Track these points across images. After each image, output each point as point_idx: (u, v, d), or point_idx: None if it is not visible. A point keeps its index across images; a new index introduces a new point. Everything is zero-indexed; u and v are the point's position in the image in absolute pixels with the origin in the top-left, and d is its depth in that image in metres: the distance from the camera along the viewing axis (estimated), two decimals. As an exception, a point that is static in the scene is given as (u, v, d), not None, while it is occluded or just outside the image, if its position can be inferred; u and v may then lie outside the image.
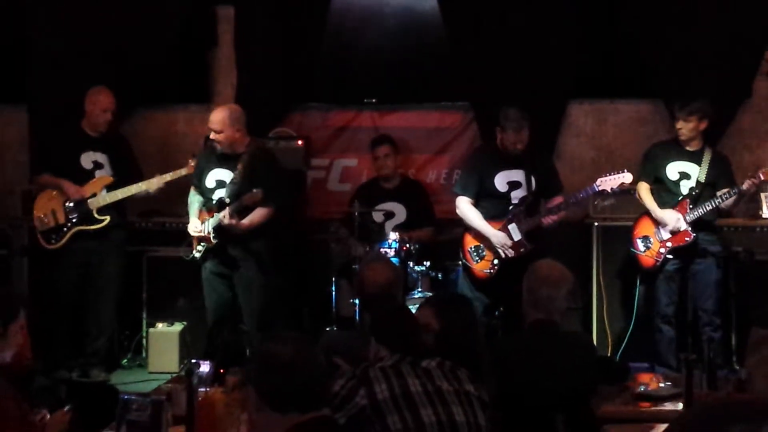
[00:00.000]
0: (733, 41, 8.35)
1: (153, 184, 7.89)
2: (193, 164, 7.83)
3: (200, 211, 7.58)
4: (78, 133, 7.99)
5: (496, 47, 8.61)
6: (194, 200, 7.65)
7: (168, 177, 7.90)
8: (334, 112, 9.14)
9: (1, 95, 9.14)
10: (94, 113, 7.95)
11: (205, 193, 7.58)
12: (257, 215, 7.42)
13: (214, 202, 7.47)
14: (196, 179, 7.68)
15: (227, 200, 7.38)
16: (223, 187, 7.48)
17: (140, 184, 7.90)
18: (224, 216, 7.26)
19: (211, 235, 7.40)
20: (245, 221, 7.37)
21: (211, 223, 7.40)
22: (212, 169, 7.56)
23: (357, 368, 4.15)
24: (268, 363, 3.19)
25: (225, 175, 7.50)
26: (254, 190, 7.27)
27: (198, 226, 7.47)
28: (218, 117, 7.44)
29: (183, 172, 7.88)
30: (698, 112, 7.54)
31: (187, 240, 7.65)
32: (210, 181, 7.54)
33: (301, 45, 8.79)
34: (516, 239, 7.48)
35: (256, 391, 3.15)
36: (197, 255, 7.52)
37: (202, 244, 7.48)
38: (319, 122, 9.11)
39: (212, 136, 7.45)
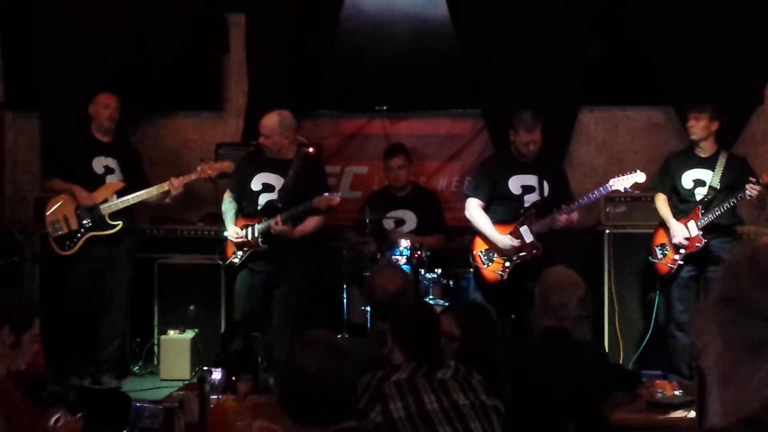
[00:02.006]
0: (745, 48, 8.34)
1: (163, 188, 7.87)
2: (201, 169, 7.83)
3: (238, 218, 7.58)
4: (89, 138, 8.01)
5: (507, 54, 8.61)
6: (230, 207, 7.62)
7: (181, 180, 7.87)
8: (345, 119, 9.16)
9: (13, 103, 9.17)
10: (98, 112, 7.98)
11: (249, 196, 7.55)
12: (311, 223, 7.47)
13: (259, 207, 7.47)
14: (236, 184, 7.66)
15: (279, 205, 7.39)
16: (270, 191, 7.48)
17: (151, 189, 7.89)
18: (275, 223, 7.27)
19: (259, 240, 7.39)
20: (299, 228, 7.40)
21: (258, 228, 7.39)
22: (258, 172, 7.55)
23: (372, 379, 4.12)
24: (291, 372, 3.16)
25: (272, 179, 7.50)
26: (326, 194, 7.32)
27: (239, 232, 7.45)
28: (269, 122, 7.48)
29: (193, 177, 7.88)
30: (709, 110, 7.54)
31: (220, 246, 7.65)
32: (256, 184, 7.52)
33: (312, 52, 8.80)
34: (528, 241, 7.49)
35: (277, 396, 3.13)
36: (236, 261, 7.52)
37: (244, 249, 7.47)
38: (329, 129, 9.12)
39: (261, 140, 7.49)
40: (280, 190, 7.46)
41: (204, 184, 8.23)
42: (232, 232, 7.49)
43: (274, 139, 7.46)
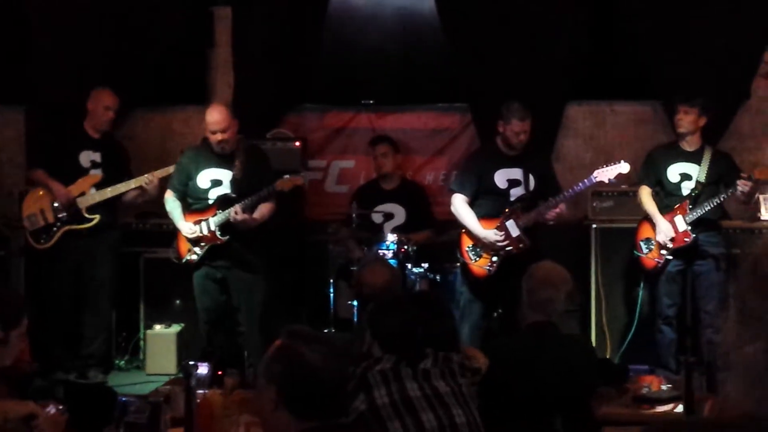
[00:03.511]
0: (732, 42, 8.35)
1: (142, 181, 7.82)
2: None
3: (186, 214, 7.49)
4: (78, 132, 7.96)
5: (494, 48, 8.61)
6: (175, 205, 7.51)
7: (159, 174, 7.83)
8: (332, 113, 9.14)
9: (-2, 96, 9.15)
10: (98, 111, 7.93)
11: (196, 193, 7.48)
12: (266, 209, 7.39)
13: (210, 201, 7.41)
14: (179, 183, 7.55)
15: (233, 196, 7.34)
16: (218, 186, 7.41)
17: (129, 182, 7.83)
18: (235, 212, 7.22)
19: (218, 233, 7.34)
20: (256, 215, 7.34)
21: (214, 221, 7.32)
22: (204, 168, 7.47)
23: (356, 369, 4.12)
24: (297, 366, 3.13)
25: (220, 174, 7.41)
26: (285, 176, 7.24)
27: (192, 227, 7.40)
28: (220, 116, 7.37)
29: (171, 169, 7.81)
30: (699, 105, 7.56)
31: (173, 244, 7.59)
32: (203, 181, 7.45)
33: (299, 46, 8.78)
34: (514, 235, 7.47)
35: (277, 391, 3.10)
36: (194, 258, 7.46)
37: (201, 245, 7.42)
38: (316, 123, 9.10)
39: (219, 137, 7.33)
40: (232, 181, 7.39)
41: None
42: (186, 228, 7.39)
43: (231, 129, 7.38)
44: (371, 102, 9.04)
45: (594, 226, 8.22)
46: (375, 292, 5.27)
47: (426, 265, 7.80)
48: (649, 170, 7.83)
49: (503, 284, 7.33)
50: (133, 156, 8.32)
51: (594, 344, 7.48)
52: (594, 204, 8.28)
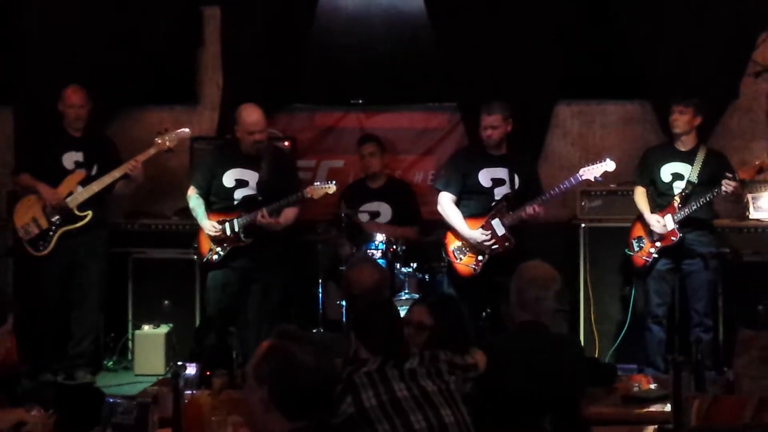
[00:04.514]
0: (721, 42, 8.35)
1: (125, 169, 7.78)
2: (160, 141, 7.80)
3: (209, 213, 7.50)
4: (61, 134, 7.96)
5: (483, 48, 8.60)
6: (199, 203, 7.55)
7: (140, 158, 7.81)
8: (321, 112, 9.14)
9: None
10: (66, 111, 7.94)
11: (220, 192, 7.51)
12: (291, 213, 7.48)
13: (235, 202, 7.42)
14: (203, 180, 7.59)
15: (259, 198, 7.35)
16: (244, 186, 7.44)
17: (113, 172, 7.81)
18: (261, 215, 7.23)
19: (241, 235, 7.35)
20: (281, 219, 7.38)
21: (239, 222, 7.35)
22: (229, 168, 7.50)
23: (342, 371, 4.11)
24: (288, 366, 3.12)
25: (246, 174, 7.45)
26: (316, 184, 7.37)
27: (216, 226, 7.40)
28: (259, 116, 7.45)
29: (152, 151, 7.84)
30: (694, 105, 7.57)
31: (193, 244, 7.60)
32: (228, 180, 7.48)
33: (288, 45, 8.77)
34: (500, 234, 7.47)
35: (269, 391, 3.09)
36: (216, 258, 7.46)
37: (224, 245, 7.42)
38: (305, 123, 9.10)
39: (257, 137, 7.40)
40: (258, 183, 7.41)
41: (174, 176, 8.21)
42: (209, 226, 7.42)
43: (266, 131, 7.48)
44: (360, 102, 9.04)
45: (583, 225, 8.24)
46: (364, 292, 5.27)
47: (414, 265, 7.79)
48: (644, 170, 7.84)
49: (490, 284, 7.35)
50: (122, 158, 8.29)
51: (582, 344, 7.47)
52: (583, 203, 8.29)
